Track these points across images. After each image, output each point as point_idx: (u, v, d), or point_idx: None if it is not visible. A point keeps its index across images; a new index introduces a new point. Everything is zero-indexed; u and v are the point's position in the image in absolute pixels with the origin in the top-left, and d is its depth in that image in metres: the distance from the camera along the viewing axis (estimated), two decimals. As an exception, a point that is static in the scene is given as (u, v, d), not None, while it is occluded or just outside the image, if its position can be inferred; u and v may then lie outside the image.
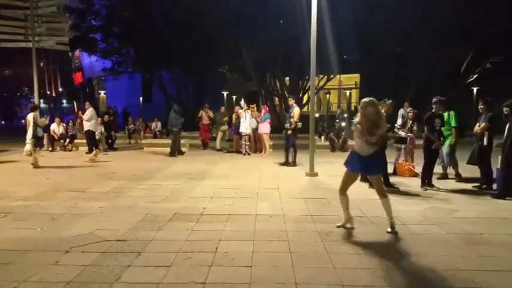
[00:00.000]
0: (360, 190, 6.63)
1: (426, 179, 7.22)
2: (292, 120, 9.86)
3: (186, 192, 6.92)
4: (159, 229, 4.78)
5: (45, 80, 40.57)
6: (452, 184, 7.56)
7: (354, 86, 35.90)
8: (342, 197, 4.79)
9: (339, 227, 4.77)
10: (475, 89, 20.12)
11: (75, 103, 22.29)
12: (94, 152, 11.42)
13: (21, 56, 27.81)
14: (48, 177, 8.41)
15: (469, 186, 7.34)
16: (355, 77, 33.99)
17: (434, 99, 7.33)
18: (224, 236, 4.52)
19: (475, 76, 19.01)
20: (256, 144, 12.78)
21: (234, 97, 33.51)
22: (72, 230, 4.78)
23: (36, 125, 9.75)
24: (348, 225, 4.78)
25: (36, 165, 9.77)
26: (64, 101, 51.71)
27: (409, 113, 9.30)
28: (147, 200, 6.29)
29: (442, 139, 7.34)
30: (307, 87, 20.22)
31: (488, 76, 18.26)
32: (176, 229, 4.78)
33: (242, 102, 12.06)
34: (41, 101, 19.73)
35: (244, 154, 12.13)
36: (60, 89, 47.40)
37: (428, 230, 4.71)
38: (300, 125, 10.16)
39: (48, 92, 44.10)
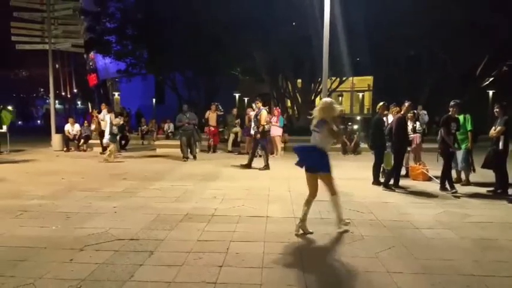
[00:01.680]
0: (371, 193, 6.61)
1: (446, 182, 7.13)
2: (259, 123, 9.99)
3: (197, 193, 6.97)
4: (171, 229, 4.83)
5: (60, 82, 41.29)
6: (467, 189, 7.44)
7: (367, 88, 35.65)
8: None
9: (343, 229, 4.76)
10: (490, 92, 19.82)
11: (89, 104, 22.59)
12: (108, 152, 11.58)
13: (37, 58, 28.41)
14: (63, 177, 8.57)
15: (483, 190, 7.23)
16: (368, 80, 33.70)
17: (452, 103, 7.25)
18: (235, 236, 4.55)
19: (491, 79, 18.75)
20: (267, 146, 12.77)
21: (246, 99, 33.59)
22: (86, 228, 4.86)
23: (112, 124, 11.41)
24: (345, 227, 4.77)
25: (109, 160, 11.18)
26: (79, 102, 52.61)
27: (410, 114, 9.19)
28: (159, 201, 6.36)
29: (456, 143, 7.27)
30: (319, 90, 20.15)
31: (504, 79, 17.98)
32: (188, 229, 4.83)
33: (254, 104, 12.07)
34: (56, 102, 20.07)
35: (256, 156, 12.13)
36: (75, 90, 48.23)
37: (441, 235, 4.66)
38: (267, 127, 10.35)
39: (63, 93, 44.89)
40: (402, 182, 7.72)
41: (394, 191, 7.24)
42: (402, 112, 7.40)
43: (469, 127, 7.73)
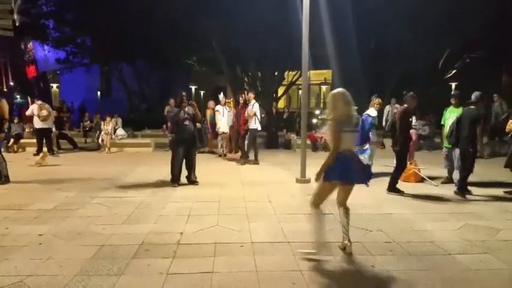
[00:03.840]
0: (367, 201, 5.50)
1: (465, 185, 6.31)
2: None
3: (154, 208, 5.48)
4: (120, 273, 3.36)
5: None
6: (475, 190, 6.53)
7: (323, 81, 35.32)
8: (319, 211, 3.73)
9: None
10: (453, 85, 19.79)
11: (29, 98, 19.95)
12: (41, 154, 9.65)
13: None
14: (-21, 189, 6.69)
15: (494, 191, 6.39)
16: (324, 73, 33.37)
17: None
18: (216, 281, 3.19)
19: (454, 71, 18.61)
20: (231, 144, 11.43)
21: (202, 92, 31.86)
22: (-10, 277, 3.28)
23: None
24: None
25: (42, 163, 9.36)
26: (18, 96, 48.01)
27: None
28: (104, 222, 4.81)
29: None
30: (282, 82, 19.01)
31: (468, 71, 17.87)
32: (144, 272, 3.39)
33: (221, 96, 10.65)
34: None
35: (221, 155, 10.75)
36: (12, 83, 43.84)
37: (485, 263, 3.58)
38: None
39: (-1, 87, 40.55)
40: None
41: (402, 194, 6.27)
42: (407, 104, 6.39)
43: None
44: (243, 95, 10.52)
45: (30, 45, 34.12)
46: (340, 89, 3.78)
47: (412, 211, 5.31)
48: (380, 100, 8.09)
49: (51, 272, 3.37)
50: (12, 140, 12.30)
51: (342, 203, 3.79)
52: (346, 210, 3.78)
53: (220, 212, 5.24)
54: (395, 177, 6.39)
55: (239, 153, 10.65)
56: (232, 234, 4.34)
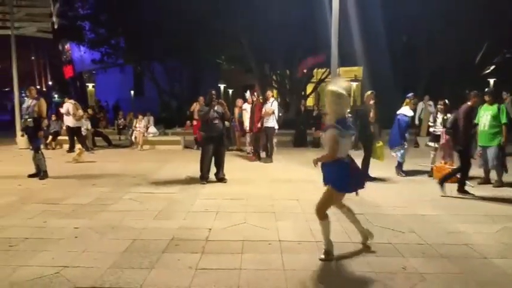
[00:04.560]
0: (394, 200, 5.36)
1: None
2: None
3: (184, 204, 5.59)
4: (151, 266, 3.46)
5: (34, 74, 38.92)
6: (507, 192, 6.29)
7: (353, 78, 34.74)
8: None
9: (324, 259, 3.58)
10: (491, 81, 18.96)
11: (66, 98, 20.77)
12: (78, 151, 10.03)
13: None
14: (20, 183, 7.03)
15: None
16: (355, 70, 32.82)
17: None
18: (244, 278, 3.22)
19: (492, 67, 17.86)
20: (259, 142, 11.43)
21: (231, 90, 32.06)
22: (31, 266, 3.46)
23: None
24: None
25: (78, 160, 9.71)
26: (56, 95, 49.96)
27: (439, 106, 8.00)
28: (136, 217, 4.95)
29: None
30: (311, 80, 18.88)
31: (508, 67, 17.08)
32: (175, 266, 3.47)
33: (248, 94, 10.68)
34: (23, 95, 18.15)
35: (249, 153, 10.80)
36: (50, 83, 45.65)
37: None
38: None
39: (38, 86, 42.38)
40: (426, 185, 6.55)
41: (470, 194, 6.16)
42: (470, 103, 6.22)
43: (503, 119, 6.59)
44: (256, 93, 10.54)
45: (67, 46, 35.48)
46: (339, 86, 3.50)
47: (446, 212, 5.15)
48: (416, 99, 7.96)
49: (86, 264, 3.51)
50: (50, 137, 12.84)
51: (341, 204, 3.79)
52: (348, 207, 3.83)
53: (248, 210, 5.27)
54: (462, 178, 6.23)
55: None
56: (260, 232, 4.36)
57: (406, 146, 7.61)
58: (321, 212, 3.57)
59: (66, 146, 12.02)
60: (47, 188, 6.73)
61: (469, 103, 6.27)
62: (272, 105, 9.42)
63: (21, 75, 14.45)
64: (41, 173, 7.50)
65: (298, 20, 14.51)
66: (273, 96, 9.81)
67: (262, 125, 9.44)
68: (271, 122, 9.38)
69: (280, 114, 9.73)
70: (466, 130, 6.14)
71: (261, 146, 9.91)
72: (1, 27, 13.46)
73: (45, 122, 8.58)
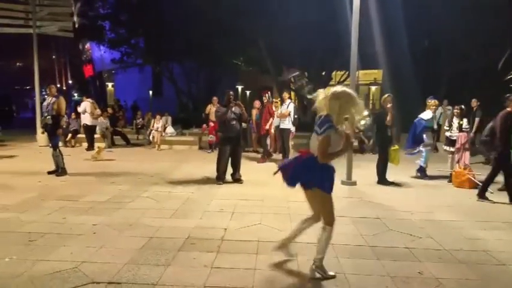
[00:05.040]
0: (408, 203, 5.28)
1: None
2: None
3: (200, 204, 5.63)
4: (167, 264, 3.50)
5: (55, 72, 39.73)
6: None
7: (372, 81, 34.36)
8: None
9: None
10: (515, 87, 18.54)
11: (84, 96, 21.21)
12: (97, 149, 10.22)
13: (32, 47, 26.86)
14: (40, 180, 7.20)
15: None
16: (374, 73, 32.47)
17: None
18: (258, 278, 3.23)
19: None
20: (276, 144, 11.43)
21: (248, 92, 32.12)
22: (50, 261, 3.54)
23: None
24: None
25: (97, 158, 9.84)
26: (76, 94, 50.93)
27: (456, 110, 7.85)
28: (153, 215, 5.02)
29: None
30: (330, 82, 18.76)
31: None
32: (190, 264, 3.50)
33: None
34: (43, 93, 18.60)
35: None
36: (70, 82, 46.55)
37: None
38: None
39: (58, 85, 43.29)
40: (444, 190, 6.44)
41: (489, 200, 6.03)
42: (510, 108, 6.01)
43: None
44: (267, 94, 10.53)
45: (87, 46, 36.12)
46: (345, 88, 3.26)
47: (464, 218, 5.06)
48: (437, 102, 7.89)
49: (103, 259, 3.58)
50: (70, 135, 13.12)
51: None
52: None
53: (264, 211, 5.28)
54: (487, 183, 6.13)
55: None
56: (275, 233, 4.36)
57: (418, 150, 7.56)
58: (332, 219, 3.41)
59: (85, 144, 12.26)
60: (66, 185, 6.87)
61: (508, 109, 6.05)
62: (288, 107, 9.41)
63: (42, 74, 14.78)
64: (58, 169, 7.67)
65: (317, 20, 14.43)
66: (289, 97, 9.79)
67: (270, 126, 9.49)
68: (287, 124, 9.37)
69: (296, 116, 9.68)
70: (503, 136, 5.91)
71: (278, 148, 9.91)
72: (24, 26, 13.81)
73: (64, 120, 8.79)
